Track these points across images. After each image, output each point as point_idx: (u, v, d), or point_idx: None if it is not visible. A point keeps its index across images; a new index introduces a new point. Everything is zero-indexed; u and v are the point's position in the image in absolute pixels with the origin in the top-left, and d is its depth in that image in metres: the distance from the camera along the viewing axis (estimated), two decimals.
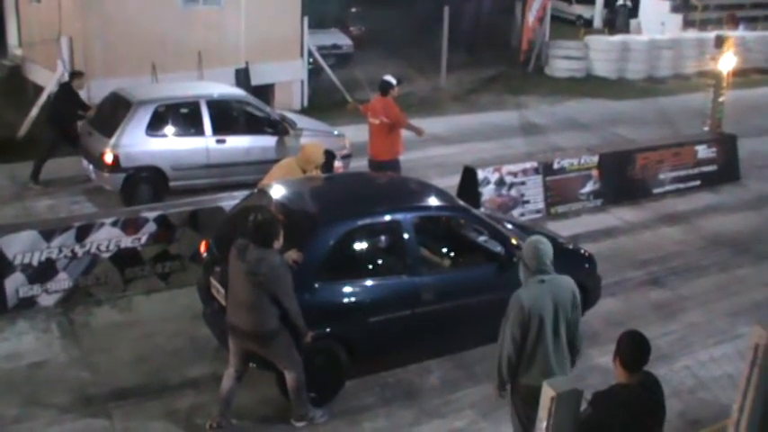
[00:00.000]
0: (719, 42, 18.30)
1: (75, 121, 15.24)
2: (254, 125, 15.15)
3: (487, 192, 14.11)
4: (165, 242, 11.36)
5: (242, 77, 19.52)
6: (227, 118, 15.01)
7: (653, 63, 29.15)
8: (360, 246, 9.58)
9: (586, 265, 10.64)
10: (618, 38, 29.68)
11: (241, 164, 14.48)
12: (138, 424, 8.55)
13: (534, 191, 14.59)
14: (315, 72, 22.26)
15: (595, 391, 5.86)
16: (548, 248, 7.13)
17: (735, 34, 30.42)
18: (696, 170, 16.84)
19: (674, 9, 34.21)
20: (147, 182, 14.08)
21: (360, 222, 9.36)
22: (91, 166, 14.31)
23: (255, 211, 8.70)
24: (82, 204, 14.53)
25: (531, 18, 27.64)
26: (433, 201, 10.10)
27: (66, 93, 15.19)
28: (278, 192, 9.68)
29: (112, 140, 13.78)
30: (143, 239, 11.18)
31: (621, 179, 15.73)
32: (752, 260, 13.60)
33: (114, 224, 10.98)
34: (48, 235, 10.59)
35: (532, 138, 20.03)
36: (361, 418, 8.84)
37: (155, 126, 14.10)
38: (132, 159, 13.87)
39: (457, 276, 9.64)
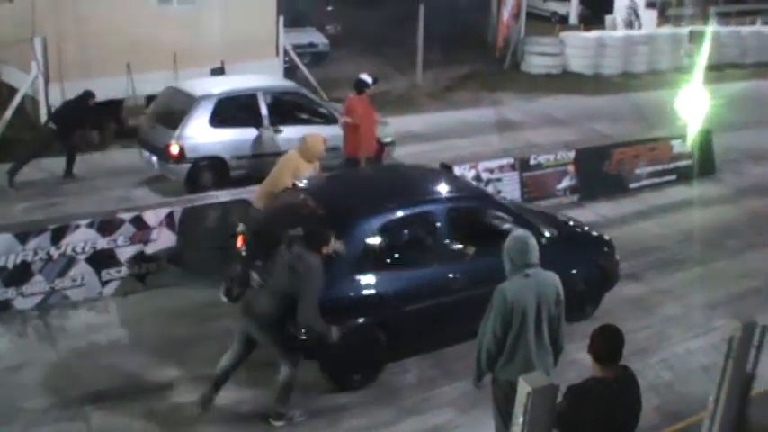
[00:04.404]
0: (692, 37, 18.39)
1: (79, 128, 15.70)
2: (306, 115, 15.86)
3: None
4: (142, 243, 11.32)
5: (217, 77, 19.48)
6: (283, 109, 15.68)
7: (628, 59, 29.25)
8: (395, 236, 9.77)
9: (605, 249, 11.18)
10: (593, 34, 29.81)
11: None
12: (116, 426, 8.54)
13: (511, 187, 14.65)
14: (291, 71, 22.22)
15: (570, 385, 5.89)
16: (533, 243, 7.16)
17: (708, 29, 30.68)
18: (672, 165, 16.94)
19: (649, 4, 34.33)
20: (209, 171, 14.69)
21: (395, 215, 9.70)
22: (154, 158, 14.90)
23: (301, 210, 9.63)
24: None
25: (506, 15, 27.67)
26: (462, 191, 10.77)
27: (82, 104, 15.47)
28: (314, 187, 10.38)
29: (177, 132, 14.43)
30: (119, 241, 11.14)
31: (598, 174, 15.81)
32: (728, 254, 13.71)
33: (90, 226, 10.94)
34: (23, 237, 10.54)
35: (509, 134, 20.09)
36: (340, 417, 8.86)
37: (217, 118, 14.76)
38: (196, 150, 14.55)
39: (485, 262, 9.35)
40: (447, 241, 9.73)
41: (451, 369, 9.60)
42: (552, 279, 7.22)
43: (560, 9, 38.32)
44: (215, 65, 19.54)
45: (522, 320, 6.93)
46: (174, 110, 15.09)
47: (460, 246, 9.86)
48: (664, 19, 34.38)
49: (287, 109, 15.82)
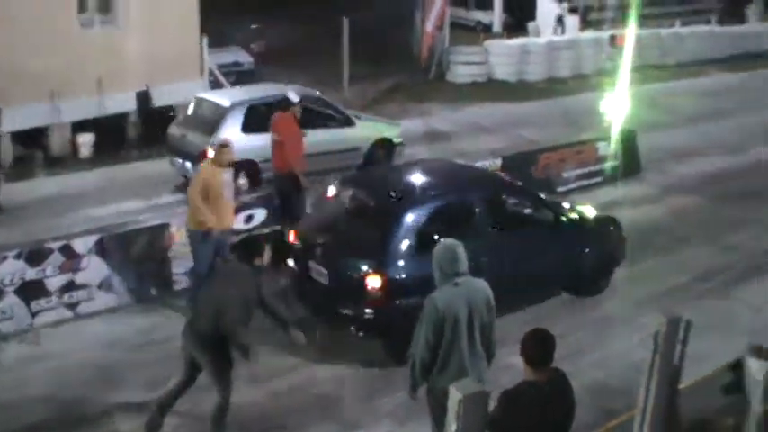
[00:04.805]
0: (613, 40, 18.76)
1: None
2: (326, 119, 17.19)
3: None
4: (72, 272, 11.19)
5: (143, 100, 19.34)
6: (305, 113, 15.64)
7: (552, 64, 29.64)
8: (443, 221, 10.39)
9: (611, 228, 12.54)
10: (517, 41, 30.12)
11: (320, 153, 15.88)
12: None
13: None
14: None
15: (503, 390, 5.97)
16: (462, 252, 7.23)
17: (629, 32, 31.20)
18: (598, 167, 17.24)
19: (572, 10, 34.89)
20: (243, 174, 14.88)
21: (446, 201, 10.78)
22: (188, 163, 15.77)
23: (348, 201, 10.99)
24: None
25: (429, 26, 27.84)
26: (497, 181, 12.31)
27: None
28: (366, 180, 11.79)
29: (213, 138, 14.91)
30: (48, 270, 11.00)
31: (525, 180, 15.89)
32: (655, 252, 14.01)
33: (18, 257, 10.80)
34: None
35: (437, 145, 20.20)
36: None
37: (248, 124, 15.97)
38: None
39: (518, 240, 11.02)
40: (488, 223, 10.80)
41: (391, 380, 9.62)
42: (482, 286, 7.31)
43: (484, 18, 38.60)
44: (140, 88, 19.39)
45: (454, 329, 7.00)
46: (206, 118, 16.29)
47: (498, 227, 10.94)
48: (586, 24, 34.97)
49: (309, 113, 16.20)
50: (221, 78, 22.14)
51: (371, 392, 9.63)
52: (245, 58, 26.40)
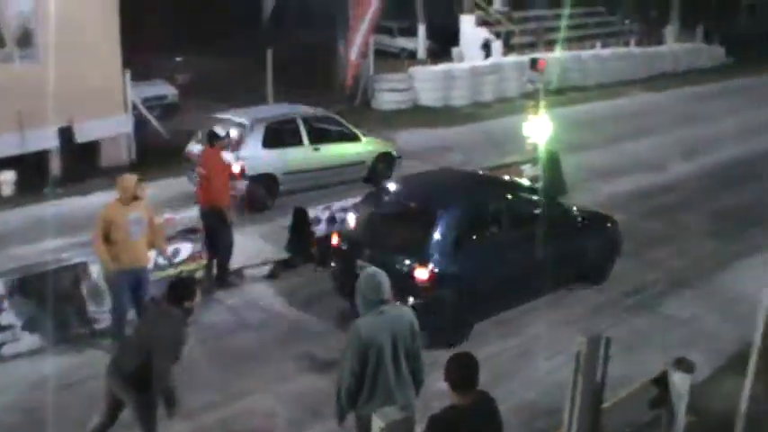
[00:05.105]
0: (534, 64, 19.05)
1: None
2: (336, 135, 18.89)
3: (320, 230, 14.28)
4: None
5: (65, 136, 19.08)
6: (318, 130, 18.46)
7: (477, 89, 30.06)
8: (480, 222, 12.19)
9: (610, 225, 14.06)
10: (441, 67, 30.41)
11: (332, 167, 18.25)
12: None
13: None
14: (141, 125, 21.93)
15: (430, 415, 5.99)
16: (385, 279, 7.25)
17: (550, 56, 31.76)
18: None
19: (495, 34, 35.34)
20: (264, 187, 17.09)
21: (476, 203, 12.50)
22: None
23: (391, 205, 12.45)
24: None
25: (353, 54, 27.94)
26: (520, 187, 14.07)
27: None
28: (403, 186, 13.07)
29: (238, 154, 16.60)
30: None
31: None
32: None
33: None
34: None
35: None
36: None
37: (267, 140, 17.36)
38: (254, 168, 16.83)
39: (538, 236, 12.17)
40: (513, 224, 12.35)
41: (318, 410, 9.61)
42: (406, 313, 7.35)
43: (408, 45, 38.90)
44: (62, 124, 19.12)
45: (379, 356, 7.01)
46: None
47: (521, 227, 12.40)
48: (508, 48, 35.45)
49: (321, 130, 18.59)
50: (145, 112, 21.99)
51: (300, 424, 9.59)
52: (169, 91, 26.26)
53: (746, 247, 15.01)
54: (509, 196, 13.11)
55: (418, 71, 29.77)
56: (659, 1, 43.89)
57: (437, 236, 11.25)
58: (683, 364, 7.82)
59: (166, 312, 8.02)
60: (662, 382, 7.98)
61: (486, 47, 34.10)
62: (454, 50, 35.07)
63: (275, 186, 17.34)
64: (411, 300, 10.46)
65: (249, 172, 16.70)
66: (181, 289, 8.19)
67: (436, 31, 38.14)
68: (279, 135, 17.67)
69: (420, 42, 38.43)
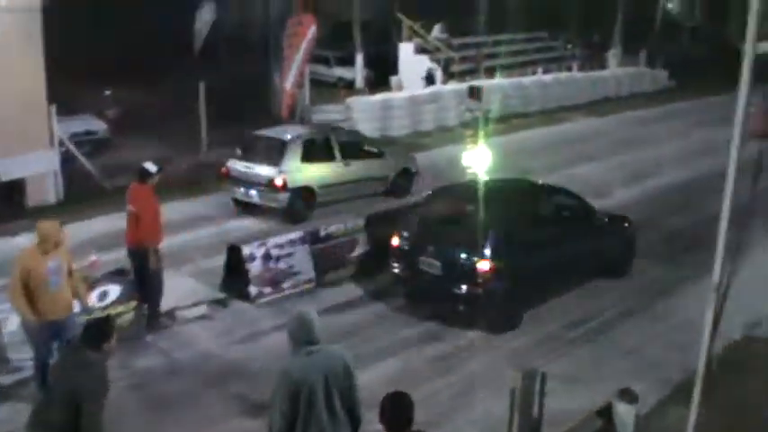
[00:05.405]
0: (472, 92, 19.21)
1: None
2: (363, 151, 20.98)
3: (255, 268, 14.14)
4: None
5: None
6: (348, 146, 20.45)
7: (416, 118, 30.11)
8: (529, 223, 14.17)
9: (627, 225, 16.19)
10: (379, 96, 30.41)
11: (360, 180, 20.26)
12: None
13: (303, 261, 14.73)
14: (69, 161, 21.62)
15: None
16: (313, 319, 7.20)
17: (491, 83, 32.06)
18: None
19: (436, 61, 35.57)
20: (303, 198, 19.04)
21: (525, 205, 14.67)
22: (253, 191, 19.11)
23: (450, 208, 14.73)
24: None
25: (288, 85, 27.89)
26: (560, 192, 15.67)
27: None
28: (457, 192, 15.28)
29: (280, 168, 18.69)
30: None
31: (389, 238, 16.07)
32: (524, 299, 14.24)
33: None
34: None
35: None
36: None
37: (305, 155, 19.25)
38: (294, 181, 18.83)
39: (575, 236, 14.59)
40: (555, 224, 14.58)
41: None
42: (338, 353, 7.29)
43: (346, 74, 38.93)
44: None
45: (311, 397, 6.95)
46: (267, 152, 19.26)
47: (561, 226, 14.65)
48: (448, 76, 35.67)
49: (350, 146, 20.58)
50: (72, 149, 21.64)
51: None
52: (98, 126, 25.86)
53: (693, 272, 15.15)
54: (552, 200, 15.27)
55: (355, 101, 29.77)
56: (602, 25, 44.54)
57: (497, 234, 13.24)
58: (627, 395, 7.88)
59: (85, 360, 7.82)
60: (606, 413, 8.04)
61: (430, 78, 34.35)
62: (393, 79, 35.22)
63: (313, 198, 19.25)
64: (475, 289, 12.97)
65: (291, 184, 18.69)
66: (97, 331, 7.96)
67: (374, 60, 38.25)
68: (315, 150, 19.62)
69: (358, 71, 38.50)
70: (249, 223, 18.94)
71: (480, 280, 13.02)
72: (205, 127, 24.71)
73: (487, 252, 13.07)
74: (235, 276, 14.20)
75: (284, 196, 18.65)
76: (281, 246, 14.46)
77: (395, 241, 14.27)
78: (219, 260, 14.68)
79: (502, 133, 26.39)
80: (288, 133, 20.00)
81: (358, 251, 15.51)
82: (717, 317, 7.66)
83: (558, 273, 14.10)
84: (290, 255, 14.56)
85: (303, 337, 7.12)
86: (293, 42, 27.82)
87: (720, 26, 50.60)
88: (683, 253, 16.68)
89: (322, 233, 15.17)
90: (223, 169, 19.84)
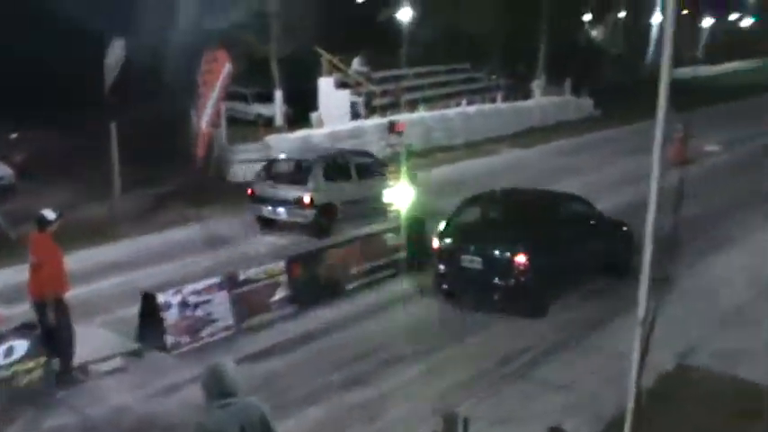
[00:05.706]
0: (392, 127, 19.33)
1: None
2: (373, 171, 23.21)
3: (171, 316, 13.89)
4: None
5: None
6: (362, 167, 22.94)
7: None
8: (553, 221, 16.54)
9: (625, 228, 18.01)
10: (299, 133, 30.48)
11: (372, 198, 22.20)
12: None
13: (221, 307, 14.54)
14: None
15: None
16: (228, 371, 7.07)
17: (412, 116, 32.28)
18: (389, 259, 17.49)
19: (357, 95, 35.71)
20: (327, 214, 21.24)
21: (554, 209, 17.39)
22: (280, 209, 21.39)
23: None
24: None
25: (204, 123, 27.57)
26: (577, 201, 17.85)
27: None
28: (494, 197, 18.12)
29: (308, 186, 21.06)
30: None
31: (312, 280, 16.04)
32: (451, 337, 14.46)
33: None
34: None
35: (220, 251, 19.92)
36: None
37: (328, 174, 21.68)
38: (320, 199, 21.04)
39: (588, 237, 17.01)
40: (576, 226, 16.81)
41: None
42: (255, 404, 7.16)
43: (265, 111, 38.77)
44: None
45: None
46: (293, 172, 22.31)
47: (580, 228, 16.93)
48: (370, 110, 35.84)
49: (364, 167, 23.01)
50: None
51: None
52: (4, 171, 25.46)
53: (624, 304, 15.25)
54: (570, 206, 17.55)
55: (274, 139, 29.73)
56: (526, 55, 45.20)
57: (532, 231, 15.76)
58: None
59: None
60: None
61: (356, 114, 34.51)
62: (313, 115, 35.24)
63: (335, 213, 21.46)
64: (514, 280, 15.34)
65: (317, 201, 20.91)
66: None
67: (294, 96, 38.20)
68: (335, 170, 22.08)
69: (277, 108, 38.37)
70: (272, 239, 21.33)
71: (517, 272, 15.35)
72: (117, 171, 24.20)
73: (525, 247, 15.36)
74: (150, 325, 13.95)
75: (310, 212, 20.92)
76: (198, 292, 14.26)
77: (435, 243, 16.59)
78: (134, 309, 14.42)
79: (425, 168, 26.51)
80: (311, 153, 23.36)
81: (279, 295, 15.38)
82: (644, 350, 7.71)
83: (577, 269, 16.54)
84: (207, 301, 14.35)
85: (217, 389, 6.99)
86: (208, 79, 27.46)
87: (642, 54, 51.73)
88: (615, 284, 16.75)
89: (241, 277, 14.99)
90: (249, 190, 22.17)
